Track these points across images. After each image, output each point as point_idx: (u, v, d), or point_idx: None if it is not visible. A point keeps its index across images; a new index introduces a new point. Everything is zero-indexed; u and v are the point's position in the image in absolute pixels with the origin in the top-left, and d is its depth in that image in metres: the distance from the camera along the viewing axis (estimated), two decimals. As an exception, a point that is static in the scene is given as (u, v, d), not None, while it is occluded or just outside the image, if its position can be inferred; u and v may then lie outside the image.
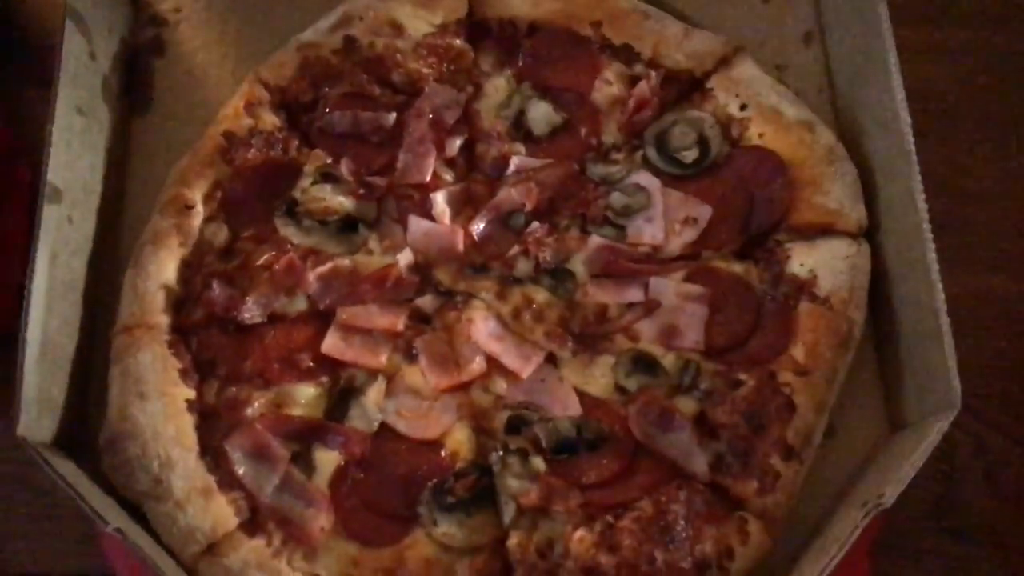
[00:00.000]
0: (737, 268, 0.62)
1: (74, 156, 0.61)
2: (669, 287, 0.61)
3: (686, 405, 0.59)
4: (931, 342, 0.57)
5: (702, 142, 0.64)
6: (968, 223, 0.67)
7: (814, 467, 0.59)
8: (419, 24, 0.66)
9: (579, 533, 0.55)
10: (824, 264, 0.61)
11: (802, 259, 0.61)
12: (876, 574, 0.58)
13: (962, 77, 0.72)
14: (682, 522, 0.54)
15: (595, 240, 0.62)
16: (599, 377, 0.60)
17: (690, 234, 0.63)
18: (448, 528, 0.56)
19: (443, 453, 0.58)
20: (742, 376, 0.58)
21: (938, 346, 0.56)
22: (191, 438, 0.56)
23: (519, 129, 0.65)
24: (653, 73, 0.65)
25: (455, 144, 0.65)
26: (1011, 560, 0.59)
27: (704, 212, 0.63)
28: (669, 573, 0.53)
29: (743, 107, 0.65)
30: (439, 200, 0.63)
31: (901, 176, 0.60)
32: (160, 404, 0.56)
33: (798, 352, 0.58)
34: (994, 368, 0.64)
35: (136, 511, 0.55)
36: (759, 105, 0.65)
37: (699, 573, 0.53)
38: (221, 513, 0.55)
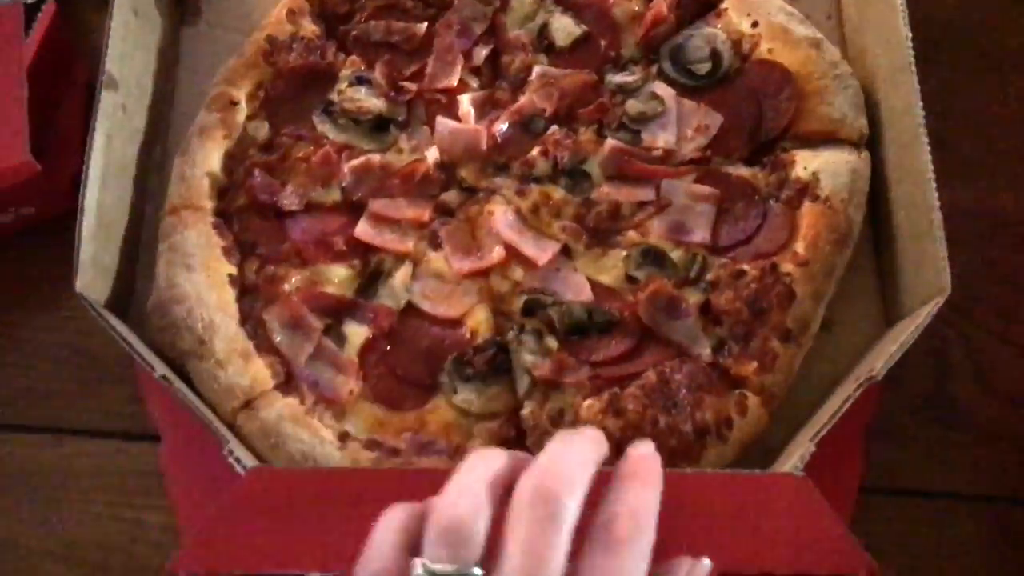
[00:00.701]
0: (745, 172, 0.66)
1: (129, 50, 0.65)
2: (680, 188, 0.65)
3: (692, 295, 0.63)
4: (924, 239, 0.60)
5: (715, 56, 0.68)
6: (967, 142, 0.71)
7: (813, 358, 0.62)
8: (453, -58, 0.71)
9: (588, 401, 0.59)
10: (826, 168, 0.64)
11: (806, 163, 0.65)
12: (873, 461, 0.61)
13: (967, 10, 0.75)
14: (684, 391, 0.58)
15: (610, 143, 0.66)
16: (611, 268, 0.64)
17: (701, 140, 0.67)
18: (467, 396, 0.60)
19: (464, 330, 0.62)
20: (746, 267, 0.62)
21: (931, 241, 0.59)
22: (233, 307, 0.61)
23: (542, 41, 0.69)
24: (667, -12, 0.70)
25: (481, 53, 0.69)
26: (997, 448, 0.62)
27: (715, 120, 0.67)
28: (671, 435, 0.57)
29: (754, 24, 0.69)
30: (464, 102, 0.67)
31: (902, 88, 0.64)
32: (204, 275, 0.61)
33: (799, 246, 0.62)
34: (988, 275, 0.67)
35: (181, 374, 0.60)
36: (769, 23, 0.68)
37: (699, 437, 0.57)
38: (259, 374, 0.59)
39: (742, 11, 0.69)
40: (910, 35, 0.64)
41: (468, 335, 0.62)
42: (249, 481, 0.53)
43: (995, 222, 0.69)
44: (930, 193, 0.60)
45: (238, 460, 0.53)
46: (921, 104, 0.62)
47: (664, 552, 0.43)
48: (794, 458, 0.54)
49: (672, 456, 0.57)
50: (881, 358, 0.57)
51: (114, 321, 0.58)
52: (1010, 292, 0.67)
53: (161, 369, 0.56)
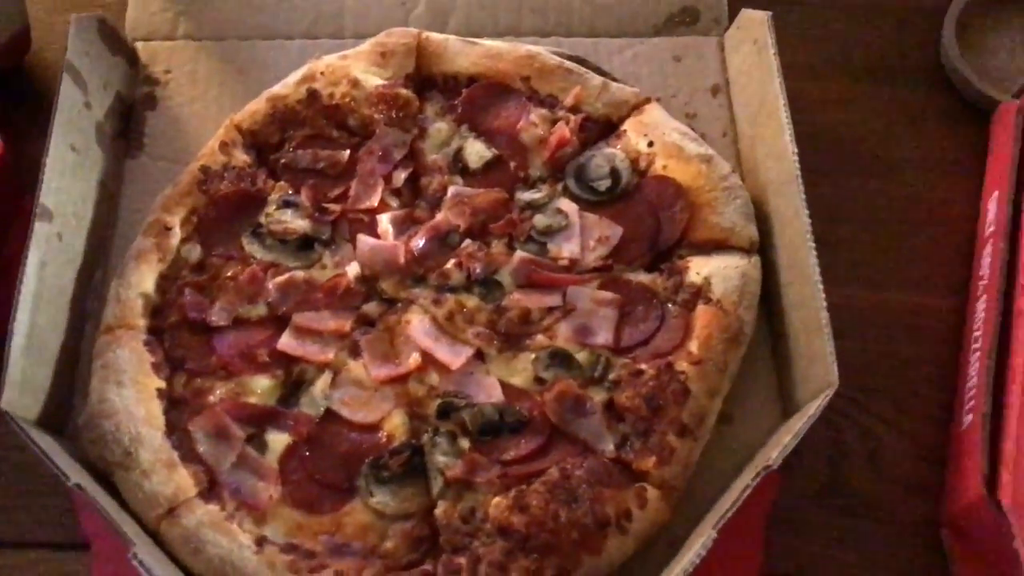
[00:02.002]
0: (645, 278, 0.71)
1: (67, 184, 0.71)
2: (585, 294, 0.70)
3: (597, 393, 0.67)
4: (814, 335, 0.65)
5: (614, 173, 0.74)
6: (856, 243, 0.76)
7: (714, 451, 0.66)
8: (372, 78, 0.77)
9: (496, 499, 0.62)
10: (718, 272, 0.69)
11: (699, 269, 0.70)
12: (772, 548, 0.64)
13: (853, 124, 0.82)
14: (584, 486, 0.61)
15: (519, 255, 0.71)
16: (521, 370, 0.68)
17: (603, 250, 0.72)
18: (382, 498, 0.63)
19: (381, 435, 0.66)
20: (644, 367, 0.67)
21: (819, 338, 0.64)
22: (159, 419, 0.64)
23: (457, 164, 0.75)
24: (572, 117, 0.76)
25: (401, 176, 0.75)
26: (894, 531, 0.65)
27: (616, 231, 0.72)
28: (572, 528, 0.60)
29: (650, 144, 0.75)
30: (383, 220, 0.72)
31: (790, 198, 0.70)
32: (134, 390, 0.65)
33: (693, 346, 0.67)
34: (880, 368, 0.71)
35: (112, 486, 0.63)
36: (663, 143, 0.75)
37: (600, 529, 0.60)
38: (182, 482, 0.62)
39: (639, 132, 0.76)
40: (795, 150, 0.70)
41: (385, 439, 0.65)
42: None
43: (886, 317, 0.74)
44: (818, 293, 0.65)
45: (142, 563, 0.55)
46: (807, 211, 0.68)
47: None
48: (696, 546, 0.57)
49: (576, 548, 0.60)
50: (776, 448, 0.61)
51: (36, 435, 0.61)
52: (901, 384, 0.71)
53: (75, 478, 0.59)
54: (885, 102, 0.82)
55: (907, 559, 0.65)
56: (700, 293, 0.69)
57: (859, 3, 0.87)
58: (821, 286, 0.65)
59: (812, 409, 0.61)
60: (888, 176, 0.79)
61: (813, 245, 0.66)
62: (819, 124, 0.81)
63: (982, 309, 0.68)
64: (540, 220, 0.73)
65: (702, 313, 0.68)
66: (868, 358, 0.72)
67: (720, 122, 0.81)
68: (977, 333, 0.67)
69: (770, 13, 0.76)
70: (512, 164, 0.75)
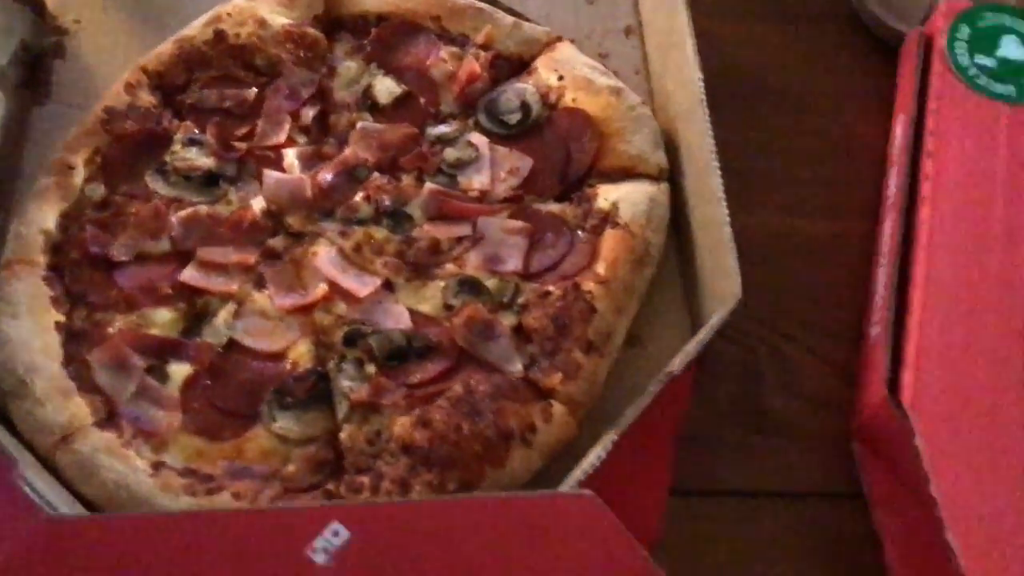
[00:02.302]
0: (555, 208, 0.71)
1: (-32, 128, 0.70)
2: (494, 224, 0.70)
3: (506, 318, 0.66)
4: (718, 251, 0.65)
5: (524, 107, 0.74)
6: (767, 171, 0.77)
7: (625, 372, 0.66)
8: (279, 18, 0.76)
9: (401, 419, 0.61)
10: (625, 198, 0.69)
11: (607, 195, 0.70)
12: (682, 464, 0.64)
13: (766, 61, 0.83)
14: (487, 400, 0.61)
15: (429, 186, 0.71)
16: (430, 298, 0.67)
17: (513, 181, 0.72)
18: (286, 423, 0.62)
19: (286, 363, 0.65)
20: (552, 289, 0.66)
21: (724, 253, 0.64)
22: (57, 351, 0.63)
23: (366, 101, 0.75)
24: (483, 53, 0.76)
25: (309, 114, 0.74)
26: (805, 446, 0.65)
27: (526, 163, 0.72)
28: (475, 440, 0.59)
29: (560, 78, 0.75)
30: (290, 155, 0.72)
31: (696, 124, 0.70)
32: (30, 321, 0.63)
33: (600, 267, 0.67)
34: (792, 291, 0.72)
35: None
36: (573, 76, 0.75)
37: (503, 441, 0.60)
38: (78, 411, 0.61)
39: (550, 68, 0.76)
40: (700, 76, 0.71)
41: (289, 367, 0.65)
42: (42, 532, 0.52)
43: (800, 243, 0.74)
44: (721, 211, 0.65)
45: (27, 482, 0.53)
46: (712, 135, 0.68)
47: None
48: (598, 448, 0.57)
49: (478, 461, 0.59)
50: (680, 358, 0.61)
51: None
52: (813, 305, 0.71)
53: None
54: (797, 41, 0.83)
55: (818, 472, 0.65)
56: (608, 218, 0.69)
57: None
58: (725, 204, 0.65)
59: (715, 320, 0.61)
60: (800, 110, 0.80)
61: (717, 165, 0.67)
62: (733, 63, 0.82)
63: (888, 226, 0.68)
64: (450, 153, 0.72)
65: (609, 236, 0.68)
66: (782, 282, 0.72)
67: (633, 61, 0.81)
68: (884, 249, 0.68)
69: None
70: (422, 100, 0.75)
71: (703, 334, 0.61)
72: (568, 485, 0.55)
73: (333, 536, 0.51)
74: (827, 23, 0.85)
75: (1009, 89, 0.70)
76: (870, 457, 0.63)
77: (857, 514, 0.62)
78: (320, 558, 0.51)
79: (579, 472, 0.55)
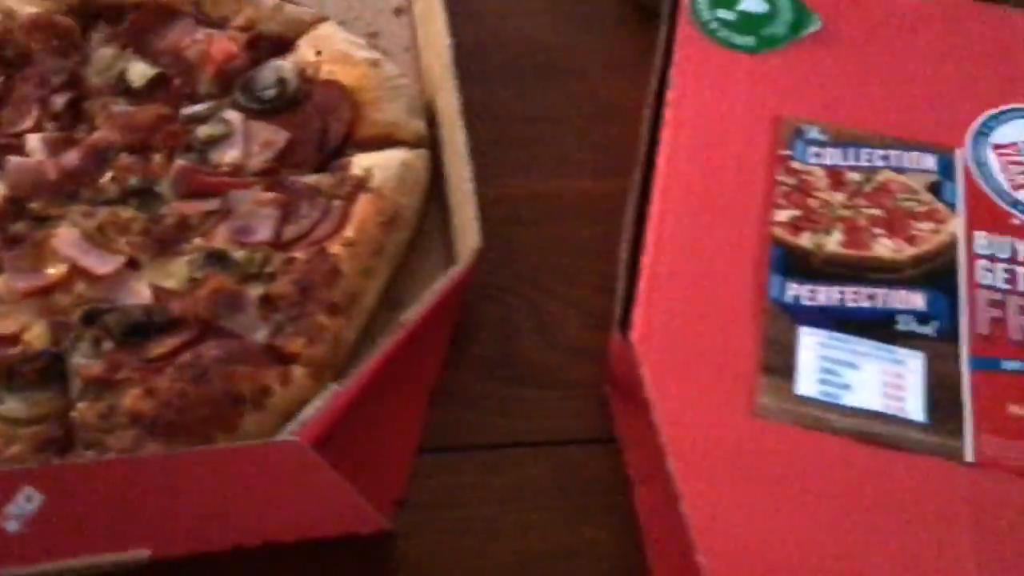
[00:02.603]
0: (312, 179, 0.70)
1: None
2: (246, 196, 0.69)
3: (255, 288, 0.65)
4: (464, 207, 0.65)
5: (281, 82, 0.74)
6: (537, 140, 0.77)
7: (382, 334, 0.65)
8: (28, 9, 0.75)
9: (131, 391, 0.59)
10: (379, 164, 0.69)
11: (361, 163, 0.70)
12: (437, 422, 0.63)
13: (535, 33, 0.84)
14: (217, 365, 0.59)
15: (178, 163, 0.70)
16: (176, 274, 0.65)
17: (268, 154, 0.71)
18: (14, 404, 0.59)
19: (19, 346, 0.62)
20: (298, 255, 0.65)
21: (468, 206, 0.64)
22: None
23: (120, 85, 0.74)
24: (238, 34, 0.76)
25: (59, 101, 0.72)
26: (561, 395, 0.65)
27: (281, 136, 0.72)
28: (202, 406, 0.58)
29: (318, 53, 0.75)
30: (31, 140, 0.70)
31: (447, 90, 0.71)
32: None
33: (348, 230, 0.66)
34: (552, 248, 0.72)
35: None
36: (332, 51, 0.75)
37: (234, 405, 0.58)
38: None
39: (310, 44, 0.76)
40: (449, 43, 0.72)
41: (23, 349, 0.62)
42: None
43: (563, 204, 0.74)
44: (465, 168, 0.66)
45: None
46: (459, 96, 0.69)
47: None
48: (316, 400, 0.56)
49: (206, 425, 0.57)
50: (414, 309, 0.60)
51: None
52: (572, 261, 0.71)
53: None
54: (565, 12, 0.85)
55: (576, 420, 0.64)
56: (361, 184, 0.68)
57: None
58: (468, 161, 0.66)
59: (453, 271, 0.61)
60: (568, 78, 0.81)
61: (462, 124, 0.67)
62: (503, 35, 0.83)
63: (635, 176, 0.69)
64: (203, 130, 0.72)
65: (361, 201, 0.68)
66: (544, 241, 0.72)
67: (402, 39, 0.81)
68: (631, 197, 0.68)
69: None
70: (178, 82, 0.74)
71: (440, 284, 0.60)
72: (284, 435, 0.53)
73: (27, 502, 0.49)
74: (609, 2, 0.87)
75: (749, 40, 0.72)
76: (617, 399, 0.63)
77: (611, 458, 0.62)
78: (12, 525, 0.48)
79: (295, 424, 0.54)
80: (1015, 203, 0.63)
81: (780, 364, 0.57)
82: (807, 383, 0.57)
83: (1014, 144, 0.67)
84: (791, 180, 0.65)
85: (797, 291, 0.60)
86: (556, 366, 0.66)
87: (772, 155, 0.66)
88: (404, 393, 0.62)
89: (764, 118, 0.68)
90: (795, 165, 0.65)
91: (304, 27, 0.77)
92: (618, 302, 0.61)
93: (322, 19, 0.78)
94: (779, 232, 0.62)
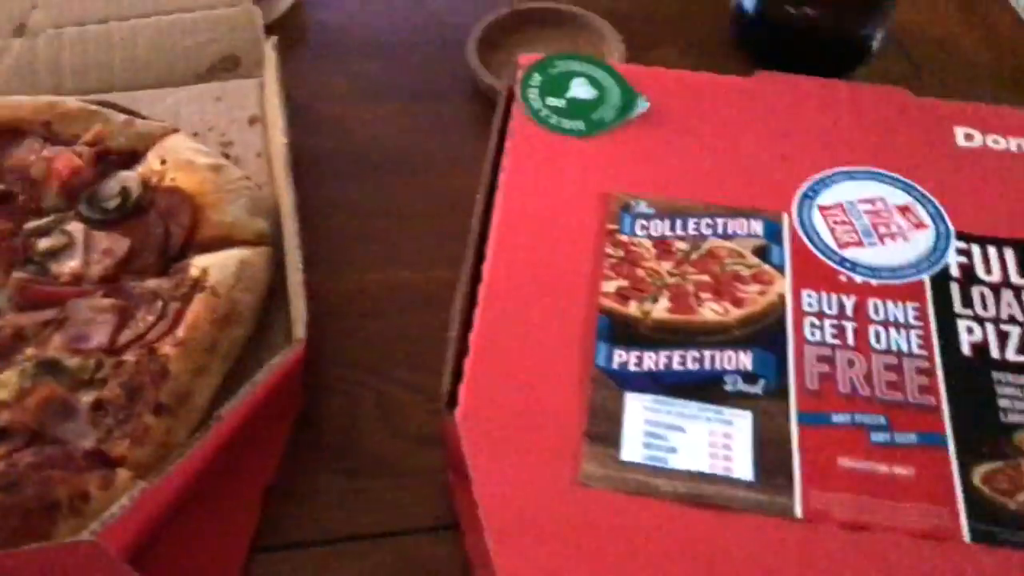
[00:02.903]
0: (153, 284, 0.70)
1: None
2: (82, 304, 0.69)
3: (87, 394, 0.64)
4: (296, 301, 0.66)
5: (124, 192, 0.75)
6: (388, 235, 0.79)
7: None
8: None
9: (-58, 505, 0.57)
10: (215, 264, 0.70)
11: (199, 264, 0.70)
12: (275, 518, 0.62)
13: (394, 136, 0.86)
14: (28, 471, 0.58)
15: (15, 276, 0.70)
16: (7, 383, 0.64)
17: (109, 262, 0.71)
18: None
19: None
20: (128, 358, 0.65)
21: (297, 300, 0.65)
22: None
23: (-38, 207, 0.75)
24: (86, 149, 0.77)
25: (-101, 223, 0.73)
26: (406, 482, 0.64)
27: (121, 244, 0.72)
28: (12, 515, 0.56)
29: (163, 162, 0.76)
30: None
31: (284, 187, 0.73)
32: None
33: (180, 331, 0.66)
34: (398, 339, 0.72)
35: None
36: (176, 159, 0.76)
37: (48, 512, 0.56)
38: None
39: (157, 155, 0.77)
40: (285, 141, 0.75)
41: None
42: None
43: (412, 294, 0.75)
44: (296, 260, 0.68)
45: None
46: (293, 192, 0.72)
47: None
48: (123, 499, 0.55)
49: (17, 535, 0.55)
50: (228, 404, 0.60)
51: None
52: (418, 348, 0.71)
53: None
54: (421, 115, 0.88)
55: (419, 507, 0.63)
56: (197, 284, 0.69)
57: (396, 40, 0.94)
58: (298, 253, 0.67)
59: (274, 361, 0.62)
60: (420, 174, 0.84)
61: (295, 217, 0.70)
62: (364, 139, 0.86)
63: (468, 257, 0.70)
64: (43, 243, 0.72)
65: (196, 301, 0.68)
66: (393, 331, 0.72)
67: (255, 146, 0.83)
68: (464, 279, 0.69)
69: (275, 38, 0.83)
70: (22, 198, 0.75)
71: (259, 376, 0.60)
72: (86, 535, 0.52)
73: None
74: (453, 97, 0.90)
75: (578, 124, 0.74)
76: (456, 481, 0.62)
77: (453, 544, 0.61)
78: None
79: (96, 524, 0.52)
80: (842, 261, 0.64)
81: (605, 431, 0.57)
82: (632, 448, 0.56)
83: (839, 204, 0.69)
84: (619, 252, 0.66)
85: (624, 358, 0.60)
86: (401, 454, 0.66)
87: (600, 230, 0.67)
88: (235, 490, 0.61)
89: (592, 196, 0.69)
90: (622, 238, 0.66)
91: (154, 140, 0.79)
92: (445, 380, 0.60)
93: (172, 131, 0.80)
94: (606, 303, 0.63)
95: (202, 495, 0.60)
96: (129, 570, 0.49)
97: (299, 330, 0.63)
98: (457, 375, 0.61)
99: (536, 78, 0.77)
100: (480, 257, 0.67)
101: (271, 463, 0.63)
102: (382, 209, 0.81)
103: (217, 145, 0.82)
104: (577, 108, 0.75)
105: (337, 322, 0.73)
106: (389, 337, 0.72)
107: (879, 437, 0.56)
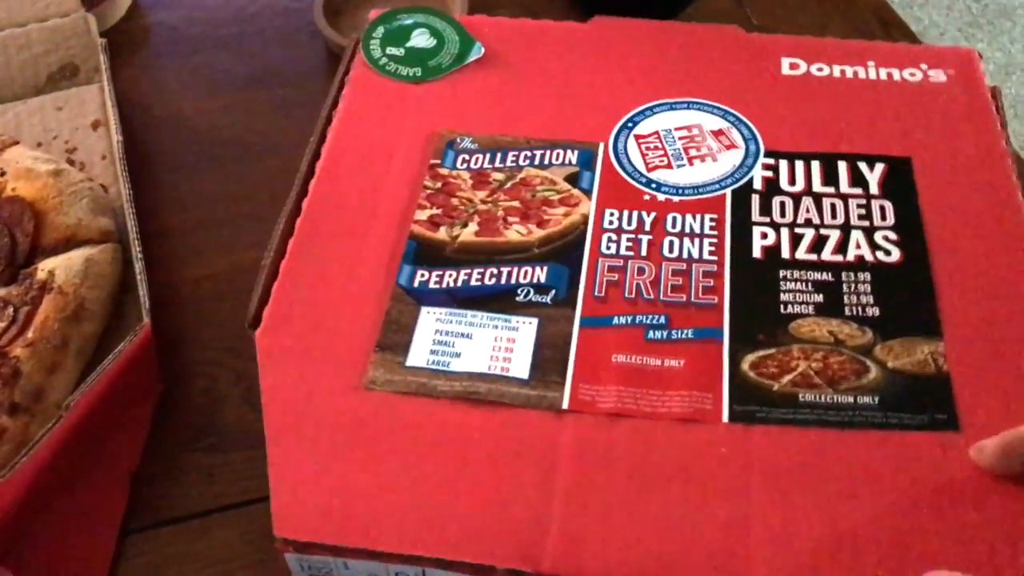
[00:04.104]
0: (1, 292, 0.71)
1: None
2: (-69, 321, 0.69)
3: (-63, 409, 0.65)
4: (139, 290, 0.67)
5: (-36, 207, 0.76)
6: (238, 216, 0.80)
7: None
8: None
9: None
10: (61, 264, 0.71)
11: (45, 267, 0.71)
12: (142, 499, 0.63)
13: (240, 123, 0.88)
14: None
15: None
16: None
17: (-46, 277, 0.72)
18: None
19: None
20: (-25, 366, 0.66)
21: (141, 289, 0.67)
22: None
23: None
24: (-79, 168, 0.77)
25: None
26: (263, 454, 0.64)
27: (-32, 259, 0.73)
28: None
29: (3, 173, 0.77)
30: None
31: (119, 183, 0.75)
32: None
33: (31, 332, 0.67)
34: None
35: None
36: (16, 168, 0.77)
37: (-99, 523, 0.57)
38: None
39: (-3, 168, 0.78)
40: (119, 139, 0.77)
41: None
42: None
43: (253, 276, 0.75)
44: (135, 251, 0.70)
45: None
46: (128, 187, 0.74)
47: None
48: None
49: None
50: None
51: None
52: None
53: None
54: (266, 103, 0.89)
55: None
56: (45, 286, 0.70)
57: (237, 31, 0.95)
58: (138, 242, 0.69)
59: (119, 348, 0.63)
60: (264, 159, 0.84)
61: (132, 211, 0.72)
62: (206, 130, 0.87)
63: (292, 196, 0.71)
64: None
65: (45, 302, 0.69)
66: (240, 311, 0.71)
67: (99, 149, 0.83)
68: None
69: (104, 40, 0.84)
70: None
71: (106, 363, 0.61)
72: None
73: None
74: (295, 80, 0.91)
75: (415, 71, 0.76)
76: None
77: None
78: None
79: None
80: (649, 182, 0.67)
81: (396, 341, 0.59)
82: (418, 355, 0.58)
83: (655, 132, 0.72)
84: (436, 184, 0.67)
85: (425, 277, 0.62)
86: (261, 426, 0.67)
87: (423, 165, 0.69)
88: (100, 478, 0.62)
89: (421, 135, 0.71)
90: (442, 171, 0.68)
91: (-8, 153, 0.80)
92: (252, 304, 0.61)
93: (13, 143, 0.80)
94: (417, 229, 0.64)
95: (68, 485, 0.61)
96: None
97: (144, 315, 0.64)
98: (266, 300, 0.62)
99: (379, 30, 0.79)
100: (304, 195, 0.69)
101: (135, 448, 0.65)
102: (227, 195, 0.82)
103: (62, 152, 0.83)
104: (415, 56, 0.77)
105: (190, 308, 0.74)
106: (241, 317, 0.73)
107: (656, 335, 0.59)
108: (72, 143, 0.84)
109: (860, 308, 0.60)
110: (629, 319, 0.59)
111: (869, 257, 0.62)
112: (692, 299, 0.61)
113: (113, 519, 0.62)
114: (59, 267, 0.70)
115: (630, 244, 0.63)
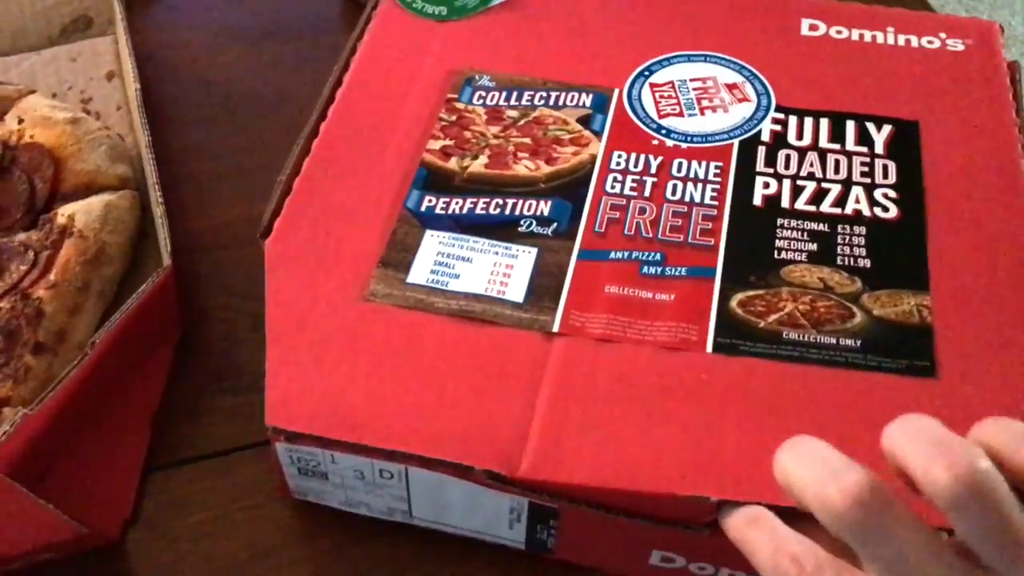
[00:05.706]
0: (21, 236, 0.72)
1: None
2: (-48, 264, 0.70)
3: (-36, 348, 0.66)
4: (160, 235, 0.68)
5: (-15, 154, 0.76)
6: (250, 169, 0.81)
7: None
8: None
9: None
10: (81, 209, 0.72)
11: (65, 212, 0.72)
12: (164, 439, 0.65)
13: (254, 76, 0.88)
14: (-89, 416, 0.60)
15: None
16: None
17: (-33, 221, 0.73)
18: None
19: None
20: (3, 304, 0.67)
21: (162, 234, 0.68)
22: None
23: None
24: (-62, 116, 0.78)
25: None
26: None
27: (-21, 202, 0.74)
28: None
29: (20, 121, 0.77)
30: None
31: (138, 132, 0.75)
32: None
33: (53, 274, 0.68)
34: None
35: None
36: (33, 116, 0.77)
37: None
38: None
39: (14, 115, 0.78)
40: (137, 87, 0.78)
41: None
42: None
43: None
44: (154, 197, 0.71)
45: None
46: (147, 135, 0.74)
47: None
48: (4, 425, 0.58)
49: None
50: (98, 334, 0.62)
51: None
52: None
53: None
54: (282, 56, 0.90)
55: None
56: (65, 231, 0.70)
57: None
58: (158, 187, 0.70)
59: (141, 289, 0.64)
60: (280, 111, 0.85)
61: (151, 159, 0.72)
62: (222, 82, 0.87)
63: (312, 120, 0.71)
64: None
65: (66, 246, 0.69)
66: (258, 258, 0.73)
67: (115, 99, 0.84)
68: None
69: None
70: None
71: (128, 303, 0.62)
72: (-33, 465, 0.54)
73: None
74: (310, 34, 0.92)
75: (441, 9, 0.77)
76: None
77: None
78: None
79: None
80: (659, 128, 0.68)
81: (399, 259, 0.60)
82: (419, 274, 0.59)
83: (670, 82, 0.73)
84: (451, 117, 0.69)
85: (432, 203, 0.63)
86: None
87: (440, 99, 0.70)
88: (123, 416, 0.64)
89: (441, 72, 0.72)
90: (459, 105, 0.70)
91: (11, 103, 0.80)
92: (266, 216, 0.63)
93: (29, 92, 0.81)
94: (428, 157, 0.66)
95: (92, 424, 0.62)
96: (17, 488, 0.51)
97: (164, 258, 0.65)
98: (279, 213, 0.64)
99: (410, -29, 0.80)
100: (323, 119, 0.70)
101: (156, 389, 0.66)
102: (242, 147, 0.83)
103: (77, 102, 0.83)
104: (444, -7, 0.78)
105: (209, 255, 0.75)
106: (258, 263, 0.74)
107: (651, 270, 0.60)
108: (87, 93, 0.85)
109: (852, 259, 0.61)
110: (626, 254, 0.61)
111: (867, 212, 0.63)
112: (689, 240, 0.62)
113: (136, 457, 0.63)
114: (79, 212, 0.71)
115: (635, 185, 0.65)
